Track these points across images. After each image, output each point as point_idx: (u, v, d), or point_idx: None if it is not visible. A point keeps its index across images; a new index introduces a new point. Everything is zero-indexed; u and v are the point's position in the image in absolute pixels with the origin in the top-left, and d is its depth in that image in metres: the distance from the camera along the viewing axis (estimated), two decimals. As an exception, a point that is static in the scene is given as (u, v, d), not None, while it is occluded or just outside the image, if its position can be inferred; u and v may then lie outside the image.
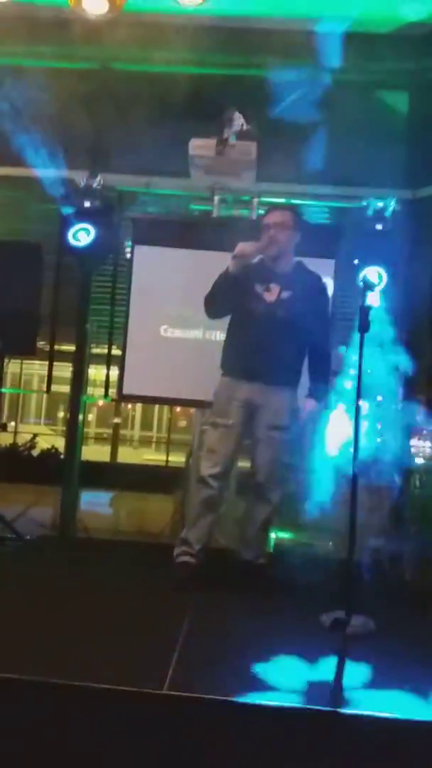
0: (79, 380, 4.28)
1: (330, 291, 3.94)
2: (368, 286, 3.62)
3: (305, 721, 1.75)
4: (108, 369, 4.39)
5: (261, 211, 4.27)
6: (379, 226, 3.93)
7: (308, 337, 3.01)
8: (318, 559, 3.68)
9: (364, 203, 4.00)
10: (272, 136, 3.89)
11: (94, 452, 6.43)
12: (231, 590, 2.77)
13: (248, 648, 2.15)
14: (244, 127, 3.46)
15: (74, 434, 4.24)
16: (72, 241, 3.93)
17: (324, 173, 4.11)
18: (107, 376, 4.41)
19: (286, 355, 2.95)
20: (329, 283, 3.95)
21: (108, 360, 4.39)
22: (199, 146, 3.58)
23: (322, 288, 3.18)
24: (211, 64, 4.28)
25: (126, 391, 3.99)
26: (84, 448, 4.33)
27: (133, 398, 4.30)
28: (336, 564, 3.48)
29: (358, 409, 2.65)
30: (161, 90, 4.16)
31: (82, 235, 3.93)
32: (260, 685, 1.87)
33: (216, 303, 3.05)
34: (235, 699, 1.76)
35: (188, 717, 1.74)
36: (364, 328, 2.77)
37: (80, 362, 4.29)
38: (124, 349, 4.00)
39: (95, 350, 4.55)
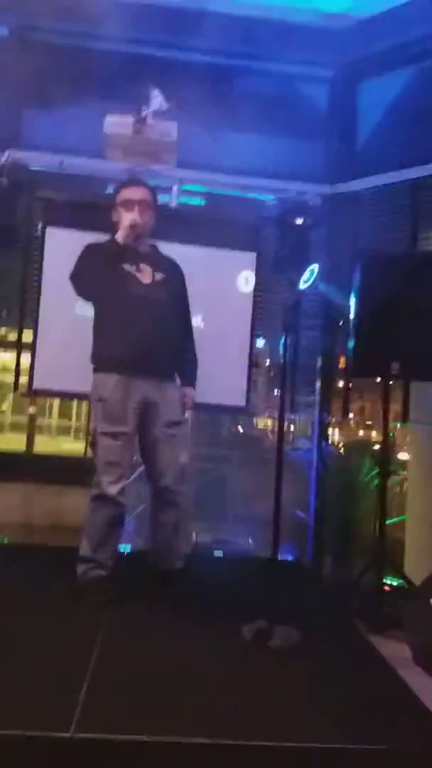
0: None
1: (251, 285, 3.87)
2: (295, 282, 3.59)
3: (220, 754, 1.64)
4: (18, 357, 4.08)
5: (183, 199, 4.14)
6: (299, 220, 3.86)
7: (181, 325, 2.89)
8: (239, 560, 3.63)
9: (283, 196, 3.93)
10: (194, 122, 3.73)
11: (8, 442, 6.01)
12: (146, 602, 2.57)
13: (165, 676, 1.98)
14: (164, 107, 3.23)
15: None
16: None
17: (246, 164, 4.01)
18: (17, 365, 4.11)
19: (169, 345, 2.75)
20: (250, 277, 3.87)
21: (18, 347, 4.08)
22: (115, 124, 3.32)
23: (182, 272, 2.96)
24: (134, 41, 4.03)
25: (38, 382, 3.68)
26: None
27: (44, 393, 3.97)
28: (256, 563, 3.48)
29: (283, 401, 2.80)
30: (80, 64, 3.90)
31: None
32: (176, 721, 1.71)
33: (89, 279, 2.70)
34: (150, 738, 1.61)
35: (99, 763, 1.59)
36: (287, 325, 2.69)
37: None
38: (35, 335, 3.70)
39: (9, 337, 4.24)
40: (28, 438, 4.58)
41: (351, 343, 2.99)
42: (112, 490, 2.62)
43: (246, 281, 3.86)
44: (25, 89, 3.93)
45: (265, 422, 4.83)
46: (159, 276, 2.78)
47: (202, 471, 4.33)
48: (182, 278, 2.93)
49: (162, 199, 3.87)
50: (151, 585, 2.74)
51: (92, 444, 2.71)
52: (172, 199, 3.97)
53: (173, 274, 2.88)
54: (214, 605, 2.59)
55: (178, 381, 2.87)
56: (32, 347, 3.73)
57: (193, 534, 3.81)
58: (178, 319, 2.84)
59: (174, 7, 3.89)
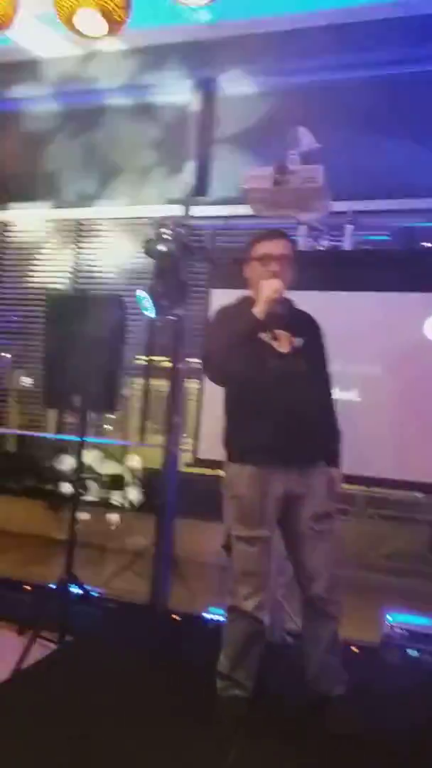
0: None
1: None
2: None
3: None
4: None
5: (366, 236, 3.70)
6: None
7: (322, 394, 2.45)
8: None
9: None
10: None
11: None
12: (292, 736, 2.18)
13: None
14: (314, 146, 2.87)
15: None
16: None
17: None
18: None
19: (314, 422, 2.34)
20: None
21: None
22: (254, 178, 3.04)
23: (320, 329, 2.54)
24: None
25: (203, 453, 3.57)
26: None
27: (208, 463, 3.79)
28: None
29: None
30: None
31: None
32: None
33: (221, 363, 2.34)
34: None
35: None
36: None
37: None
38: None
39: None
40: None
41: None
42: (249, 604, 2.30)
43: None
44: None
45: None
46: (298, 342, 2.40)
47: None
48: (320, 336, 2.52)
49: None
50: (302, 714, 2.34)
51: (226, 547, 2.40)
52: (345, 242, 3.59)
53: (311, 334, 2.48)
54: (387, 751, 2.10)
55: (325, 464, 2.44)
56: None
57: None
58: (320, 390, 2.44)
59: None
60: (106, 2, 2.23)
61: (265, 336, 2.37)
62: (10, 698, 2.43)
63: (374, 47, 3.86)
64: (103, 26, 2.34)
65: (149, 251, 3.33)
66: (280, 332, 2.39)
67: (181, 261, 3.40)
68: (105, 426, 6.06)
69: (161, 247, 3.34)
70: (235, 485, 2.35)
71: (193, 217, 3.76)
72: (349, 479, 2.79)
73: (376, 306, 3.28)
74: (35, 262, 5.03)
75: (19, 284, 5.07)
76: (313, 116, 3.42)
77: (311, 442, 2.36)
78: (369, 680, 2.50)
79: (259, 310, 2.31)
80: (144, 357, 4.75)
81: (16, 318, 5.11)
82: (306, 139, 2.94)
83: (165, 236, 3.34)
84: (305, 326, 2.48)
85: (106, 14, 2.25)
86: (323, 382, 2.49)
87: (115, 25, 2.32)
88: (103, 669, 2.72)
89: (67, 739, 2.13)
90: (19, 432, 5.68)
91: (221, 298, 3.52)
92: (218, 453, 3.41)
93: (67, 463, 5.41)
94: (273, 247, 2.42)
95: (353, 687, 2.39)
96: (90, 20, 2.31)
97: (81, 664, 2.80)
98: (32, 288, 4.94)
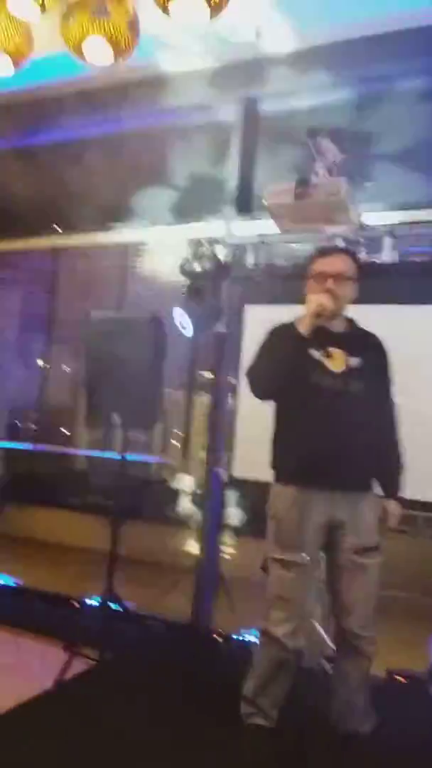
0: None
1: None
2: None
3: None
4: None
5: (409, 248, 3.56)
6: None
7: (381, 419, 2.31)
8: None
9: None
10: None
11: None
12: None
13: None
14: (338, 158, 2.80)
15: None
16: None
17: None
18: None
19: (366, 447, 2.24)
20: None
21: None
22: (275, 194, 3.00)
23: (387, 352, 2.44)
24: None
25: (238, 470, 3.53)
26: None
27: (241, 482, 3.76)
28: None
29: None
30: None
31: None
32: None
33: (273, 379, 2.29)
34: None
35: None
36: None
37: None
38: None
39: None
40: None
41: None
42: (279, 630, 2.23)
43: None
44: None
45: None
46: (354, 362, 2.31)
47: None
48: (385, 361, 2.43)
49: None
50: (326, 750, 2.25)
51: (263, 568, 2.35)
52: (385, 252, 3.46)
53: (373, 356, 2.38)
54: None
55: (374, 492, 2.34)
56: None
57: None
58: (376, 415, 2.32)
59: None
60: (113, 30, 2.28)
61: (317, 354, 2.31)
62: (43, 711, 2.48)
63: (420, 55, 3.76)
64: (110, 53, 2.39)
65: (183, 271, 3.35)
66: (334, 350, 2.32)
67: (216, 280, 3.40)
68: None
69: (196, 267, 3.35)
70: (277, 506, 2.30)
71: (232, 235, 3.75)
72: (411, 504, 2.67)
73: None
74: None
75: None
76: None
77: (360, 467, 2.28)
78: (405, 713, 2.36)
79: (303, 325, 2.26)
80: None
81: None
82: (330, 152, 2.87)
83: (200, 255, 3.35)
84: (367, 347, 2.39)
85: (114, 42, 2.31)
86: (382, 406, 2.37)
87: (122, 52, 2.37)
88: (134, 685, 2.71)
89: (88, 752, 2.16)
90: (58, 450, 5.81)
91: (259, 313, 3.54)
92: (253, 472, 3.38)
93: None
94: (328, 265, 2.37)
95: (388, 719, 2.27)
96: (98, 48, 2.37)
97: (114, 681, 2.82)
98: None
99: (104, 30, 2.30)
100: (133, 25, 2.34)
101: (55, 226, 5.15)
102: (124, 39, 2.32)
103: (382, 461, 2.34)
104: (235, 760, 2.18)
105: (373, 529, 2.29)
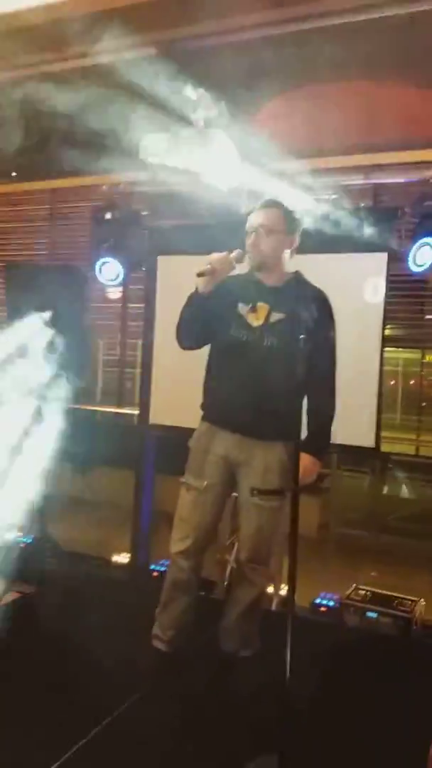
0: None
1: (380, 295, 3.20)
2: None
3: None
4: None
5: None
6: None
7: (308, 374, 2.25)
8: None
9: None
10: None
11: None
12: (197, 693, 2.36)
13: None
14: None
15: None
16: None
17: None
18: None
19: (276, 398, 2.28)
20: (380, 285, 3.20)
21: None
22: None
23: (325, 307, 2.43)
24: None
25: (154, 417, 3.70)
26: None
27: (158, 428, 3.81)
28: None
29: None
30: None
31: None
32: None
33: (187, 331, 2.41)
34: None
35: None
36: None
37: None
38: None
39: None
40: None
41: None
42: (175, 548, 2.47)
43: (374, 290, 3.22)
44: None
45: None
46: (276, 316, 2.36)
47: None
48: (322, 314, 2.40)
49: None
50: (201, 672, 2.51)
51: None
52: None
53: (306, 310, 2.35)
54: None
55: (288, 446, 2.37)
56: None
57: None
58: (294, 369, 2.24)
59: None
60: None
61: (245, 308, 2.39)
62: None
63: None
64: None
65: (97, 220, 3.36)
66: (261, 304, 2.39)
67: (128, 228, 3.42)
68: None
69: (107, 216, 3.36)
70: (192, 438, 2.53)
71: (139, 183, 3.71)
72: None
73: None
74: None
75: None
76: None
77: (261, 415, 2.35)
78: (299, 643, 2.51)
79: (197, 284, 2.32)
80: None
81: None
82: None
83: (111, 204, 3.35)
84: (299, 300, 2.36)
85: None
86: (299, 362, 2.24)
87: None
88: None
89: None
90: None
91: (167, 264, 3.55)
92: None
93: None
94: (254, 218, 2.40)
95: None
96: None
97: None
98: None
99: None
100: None
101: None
102: None
103: (297, 417, 2.24)
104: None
105: (274, 475, 2.39)
